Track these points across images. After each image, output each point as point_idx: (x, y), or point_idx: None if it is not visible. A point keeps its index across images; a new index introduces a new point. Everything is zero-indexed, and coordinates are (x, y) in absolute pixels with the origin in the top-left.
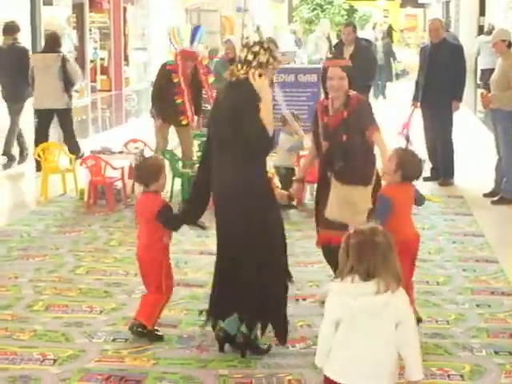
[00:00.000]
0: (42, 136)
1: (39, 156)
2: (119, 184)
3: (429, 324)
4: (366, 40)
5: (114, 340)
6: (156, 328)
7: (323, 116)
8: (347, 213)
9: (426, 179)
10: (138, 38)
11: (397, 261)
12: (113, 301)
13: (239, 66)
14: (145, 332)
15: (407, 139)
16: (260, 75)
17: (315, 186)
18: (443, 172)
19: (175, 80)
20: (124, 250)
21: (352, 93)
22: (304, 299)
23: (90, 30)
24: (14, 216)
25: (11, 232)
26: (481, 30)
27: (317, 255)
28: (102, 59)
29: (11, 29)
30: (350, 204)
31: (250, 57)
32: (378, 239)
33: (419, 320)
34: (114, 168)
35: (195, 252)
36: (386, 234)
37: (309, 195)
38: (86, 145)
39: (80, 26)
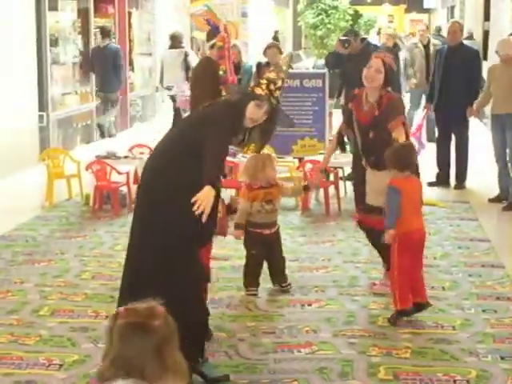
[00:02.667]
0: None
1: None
2: (124, 189)
3: (435, 329)
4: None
5: None
6: None
7: (358, 110)
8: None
9: (430, 184)
10: (142, 44)
11: (178, 354)
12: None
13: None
14: None
15: (419, 142)
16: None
17: (321, 190)
18: (457, 176)
19: (221, 72)
20: None
21: (386, 91)
22: (309, 305)
23: (95, 36)
24: (20, 221)
25: (16, 237)
26: (486, 36)
27: (321, 260)
28: None
29: (106, 32)
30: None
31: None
32: (154, 324)
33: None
34: (120, 173)
35: None
36: (168, 319)
37: (314, 200)
38: (91, 150)
39: (85, 31)
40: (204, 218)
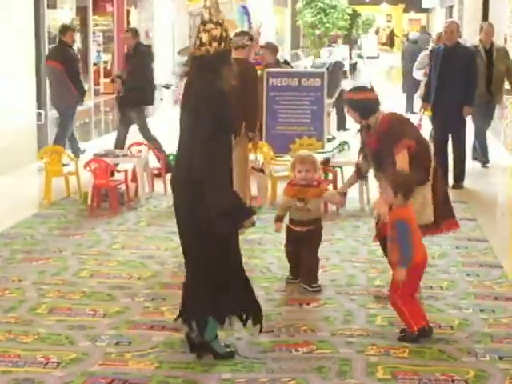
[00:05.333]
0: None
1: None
2: (122, 187)
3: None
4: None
5: (117, 343)
6: None
7: (366, 134)
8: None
9: None
10: (141, 41)
11: None
12: (116, 304)
13: (215, 43)
14: None
15: None
16: None
17: None
18: (455, 175)
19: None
20: (127, 254)
21: (382, 114)
22: (308, 304)
23: (94, 33)
24: (18, 219)
25: (14, 235)
26: None
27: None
28: (106, 62)
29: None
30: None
31: (224, 34)
32: None
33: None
34: (118, 171)
35: None
36: None
37: None
38: (89, 148)
39: (84, 29)
40: None
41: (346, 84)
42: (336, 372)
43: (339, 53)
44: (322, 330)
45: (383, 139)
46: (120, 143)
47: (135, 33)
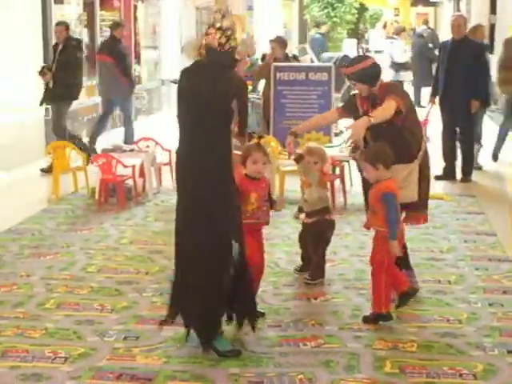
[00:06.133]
0: None
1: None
2: (130, 182)
3: (441, 323)
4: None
5: (125, 338)
6: None
7: (363, 102)
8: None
9: (438, 178)
10: (148, 37)
11: None
12: (124, 299)
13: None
14: None
15: (425, 136)
16: None
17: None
18: (463, 169)
19: None
20: (135, 248)
21: (381, 82)
22: (315, 298)
23: (101, 29)
24: (26, 214)
25: (23, 230)
26: (492, 29)
27: (327, 254)
28: None
29: (67, 27)
30: (401, 181)
31: (223, 40)
32: None
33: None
34: (125, 166)
35: None
36: None
37: None
38: (97, 143)
39: (91, 24)
40: None
41: None
42: (344, 366)
43: (398, 47)
44: (329, 325)
45: (376, 102)
46: (75, 136)
47: (67, 27)
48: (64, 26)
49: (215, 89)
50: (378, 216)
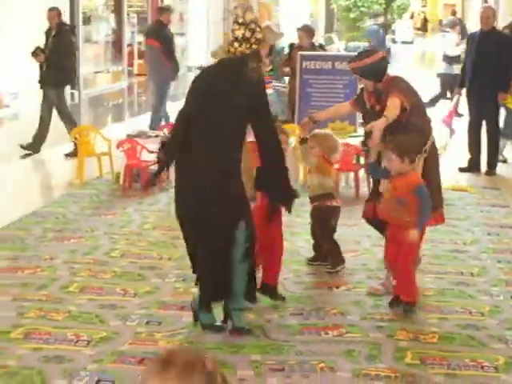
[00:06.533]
0: None
1: (75, 139)
2: (155, 167)
3: (463, 315)
4: None
5: (147, 323)
6: None
7: (370, 96)
8: None
9: (462, 170)
10: (175, 23)
11: None
12: (146, 284)
13: (236, 44)
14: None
15: (450, 128)
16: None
17: (350, 174)
18: (488, 162)
19: None
20: (158, 234)
21: (387, 75)
22: (337, 287)
23: (128, 15)
24: (50, 198)
25: (47, 214)
26: None
27: (350, 243)
28: (140, 43)
29: (59, 12)
30: None
31: (248, 34)
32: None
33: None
34: (150, 151)
35: None
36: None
37: (343, 183)
38: (122, 128)
39: (118, 10)
40: None
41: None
42: (365, 356)
43: (451, 40)
44: (351, 314)
45: (381, 96)
46: (45, 126)
47: (59, 12)
48: (56, 11)
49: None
50: (409, 208)
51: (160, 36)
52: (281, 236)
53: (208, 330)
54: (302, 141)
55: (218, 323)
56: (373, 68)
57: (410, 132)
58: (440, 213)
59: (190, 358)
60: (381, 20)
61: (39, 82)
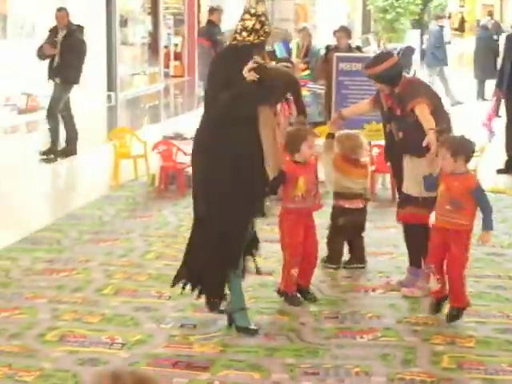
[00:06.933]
0: None
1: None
2: (190, 170)
3: (500, 319)
4: None
5: (181, 326)
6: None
7: (387, 98)
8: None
9: (500, 171)
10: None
11: None
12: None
13: (245, 33)
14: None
15: (490, 131)
16: None
17: (387, 176)
18: None
19: None
20: None
21: (404, 77)
22: (373, 290)
23: (164, 16)
24: (86, 200)
25: (82, 216)
26: None
27: (386, 246)
28: (176, 45)
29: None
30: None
31: (258, 26)
32: None
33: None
34: (186, 153)
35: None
36: None
37: (380, 185)
38: (158, 130)
39: (154, 12)
40: None
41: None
42: (400, 360)
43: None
44: (387, 318)
45: (401, 100)
46: (70, 125)
47: (67, 13)
48: (65, 11)
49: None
50: (466, 211)
51: (211, 35)
52: (312, 242)
53: (242, 333)
54: (328, 136)
55: (253, 326)
56: (387, 74)
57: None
58: None
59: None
60: (442, 22)
61: (49, 77)
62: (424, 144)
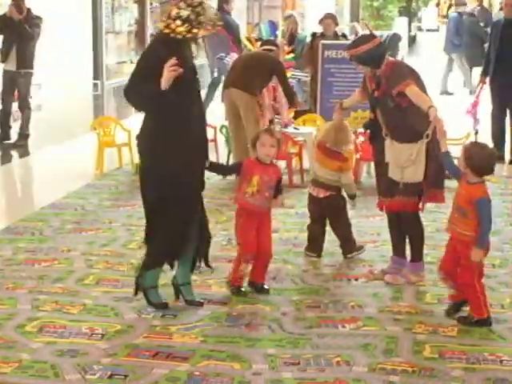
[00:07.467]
0: None
1: (95, 129)
2: None
3: None
4: None
5: (162, 316)
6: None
7: (371, 81)
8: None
9: None
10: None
11: None
12: (163, 276)
13: (179, 22)
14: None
15: (475, 118)
16: None
17: (371, 164)
18: None
19: None
20: None
21: (387, 60)
22: (356, 279)
23: (151, 4)
24: (69, 189)
25: (65, 205)
26: None
27: (370, 235)
28: None
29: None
30: (404, 161)
31: (193, 16)
32: None
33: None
34: None
35: None
36: None
37: (365, 173)
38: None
39: (141, 0)
40: None
41: (403, 56)
42: (382, 350)
43: None
44: (369, 307)
45: (386, 83)
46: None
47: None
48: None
49: None
50: (471, 221)
51: (223, 23)
52: (264, 240)
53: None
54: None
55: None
56: (370, 54)
57: (408, 115)
58: (441, 193)
59: None
60: (462, 9)
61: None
62: (431, 119)
